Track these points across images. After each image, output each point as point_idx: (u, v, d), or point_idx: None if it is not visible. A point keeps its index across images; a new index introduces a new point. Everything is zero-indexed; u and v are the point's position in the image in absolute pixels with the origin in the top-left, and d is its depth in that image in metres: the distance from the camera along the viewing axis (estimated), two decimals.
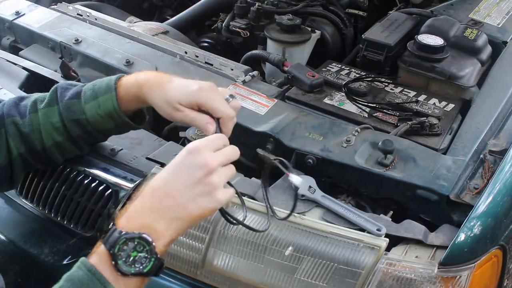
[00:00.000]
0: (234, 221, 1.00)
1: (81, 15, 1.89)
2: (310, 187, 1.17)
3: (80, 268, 0.84)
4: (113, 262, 0.84)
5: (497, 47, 1.74)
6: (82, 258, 0.85)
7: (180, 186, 0.88)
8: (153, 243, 0.85)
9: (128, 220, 0.87)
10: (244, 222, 1.02)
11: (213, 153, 0.91)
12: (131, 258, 0.84)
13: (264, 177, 1.05)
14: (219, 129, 1.00)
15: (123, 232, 0.84)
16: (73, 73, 1.55)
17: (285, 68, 1.60)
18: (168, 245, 0.89)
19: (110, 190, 1.22)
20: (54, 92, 1.16)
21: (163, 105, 1.05)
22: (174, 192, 0.88)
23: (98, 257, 0.85)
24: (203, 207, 0.90)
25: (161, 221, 0.87)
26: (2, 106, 1.15)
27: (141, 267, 0.85)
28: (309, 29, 1.90)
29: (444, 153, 1.29)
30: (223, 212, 0.99)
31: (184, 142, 1.41)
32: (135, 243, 0.84)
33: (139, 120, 1.18)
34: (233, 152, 0.96)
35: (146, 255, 0.85)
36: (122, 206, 1.19)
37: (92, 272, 0.83)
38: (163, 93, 1.04)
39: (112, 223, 0.87)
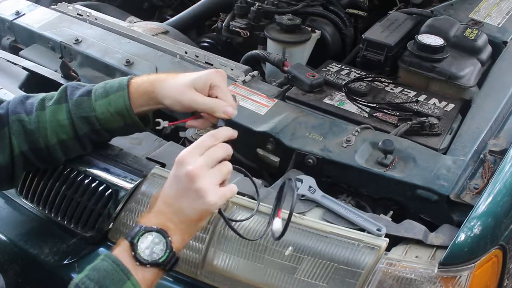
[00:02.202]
0: (229, 222, 1.05)
1: (81, 15, 1.89)
2: (310, 187, 1.17)
3: (105, 259, 0.92)
4: (132, 253, 0.93)
5: (497, 47, 1.74)
6: (106, 252, 0.95)
7: (174, 195, 0.97)
8: (169, 238, 0.95)
9: (146, 219, 0.97)
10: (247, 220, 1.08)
11: (198, 159, 0.97)
12: (149, 249, 0.93)
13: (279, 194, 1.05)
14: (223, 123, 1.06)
15: (143, 226, 0.95)
16: (73, 73, 1.55)
17: (285, 68, 1.60)
18: (183, 244, 0.98)
19: (110, 190, 1.21)
20: (63, 90, 1.17)
21: (175, 93, 1.09)
22: (172, 200, 0.97)
23: (119, 248, 0.94)
24: (199, 210, 0.97)
25: (170, 222, 0.97)
26: (6, 105, 1.16)
27: (157, 257, 0.93)
28: (309, 29, 1.90)
29: (444, 153, 1.29)
30: (220, 212, 1.03)
31: (184, 142, 1.41)
32: (153, 235, 0.94)
33: (145, 123, 1.19)
34: (219, 150, 1.00)
35: (162, 247, 0.94)
36: (123, 206, 1.19)
37: (116, 263, 0.92)
38: (175, 82, 1.10)
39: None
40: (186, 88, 1.08)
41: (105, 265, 0.91)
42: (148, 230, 0.94)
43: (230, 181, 1.05)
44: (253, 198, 1.15)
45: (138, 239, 0.93)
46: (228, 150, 1.01)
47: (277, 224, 1.00)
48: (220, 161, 1.00)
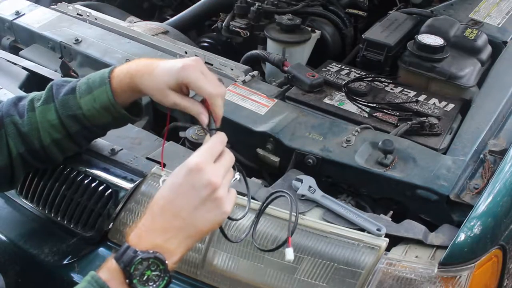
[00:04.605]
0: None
1: (81, 15, 1.89)
2: (310, 187, 1.17)
3: (91, 284, 0.84)
4: (127, 281, 0.84)
5: (497, 47, 1.74)
6: (92, 273, 0.85)
7: (187, 206, 0.88)
8: (166, 262, 0.86)
9: (140, 238, 0.87)
10: (243, 217, 1.03)
11: (215, 167, 0.90)
12: (145, 276, 0.85)
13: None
14: (213, 120, 0.99)
15: (138, 252, 0.85)
16: (73, 73, 1.55)
17: (285, 68, 1.60)
18: (178, 261, 0.90)
19: (110, 190, 1.22)
20: (49, 89, 1.15)
21: (155, 92, 1.04)
22: (183, 212, 0.88)
23: (110, 274, 0.85)
24: (213, 221, 0.91)
25: (173, 241, 0.88)
26: (1, 107, 1.15)
27: (154, 285, 0.86)
28: (309, 29, 1.90)
29: (444, 153, 1.29)
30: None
31: (184, 142, 1.41)
32: (149, 262, 0.85)
33: (136, 112, 1.16)
34: (231, 159, 0.95)
35: (159, 274, 0.86)
36: (123, 206, 1.19)
37: None
38: (153, 80, 1.03)
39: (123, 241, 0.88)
40: (164, 90, 1.01)
41: None
42: (145, 258, 0.84)
43: None
44: (253, 198, 1.14)
45: (134, 267, 0.84)
46: (234, 157, 0.96)
47: (290, 254, 0.95)
48: None
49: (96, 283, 0.84)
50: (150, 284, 0.85)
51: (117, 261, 0.85)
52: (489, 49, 1.71)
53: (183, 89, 1.02)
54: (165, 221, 0.88)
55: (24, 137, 1.13)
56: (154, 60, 1.08)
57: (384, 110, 1.45)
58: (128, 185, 1.21)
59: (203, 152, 0.91)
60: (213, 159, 0.91)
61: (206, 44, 2.14)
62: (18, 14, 1.89)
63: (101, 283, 0.84)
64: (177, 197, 0.89)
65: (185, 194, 0.88)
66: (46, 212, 1.28)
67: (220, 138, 0.95)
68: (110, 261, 0.86)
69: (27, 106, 1.14)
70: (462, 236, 1.04)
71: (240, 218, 1.03)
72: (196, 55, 1.64)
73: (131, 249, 0.85)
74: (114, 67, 1.13)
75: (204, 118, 0.98)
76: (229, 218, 1.01)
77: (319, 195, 1.16)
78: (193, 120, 1.49)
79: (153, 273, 0.85)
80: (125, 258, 0.84)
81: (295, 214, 0.96)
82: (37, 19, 1.85)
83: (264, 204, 1.02)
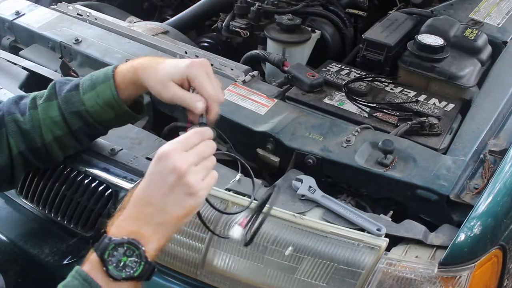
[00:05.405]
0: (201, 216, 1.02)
1: (81, 15, 1.89)
2: (310, 187, 1.17)
3: (75, 277, 0.86)
4: (104, 268, 0.86)
5: (497, 47, 1.74)
6: (77, 267, 0.87)
7: (157, 193, 0.89)
8: (142, 248, 0.87)
9: (117, 228, 0.89)
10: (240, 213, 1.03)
11: (183, 154, 0.90)
12: (122, 263, 0.86)
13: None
14: (205, 115, 0.99)
15: (112, 238, 0.87)
16: (73, 73, 1.55)
17: (285, 68, 1.60)
18: (158, 250, 0.90)
19: (110, 190, 1.22)
20: (52, 87, 1.16)
21: (155, 84, 1.06)
22: (153, 199, 0.89)
23: (90, 264, 0.87)
24: (186, 207, 0.91)
25: (146, 227, 0.89)
26: (2, 106, 1.15)
27: (131, 271, 0.86)
28: (309, 29, 1.90)
29: (444, 153, 1.29)
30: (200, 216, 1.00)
31: None
32: (125, 248, 0.86)
33: (137, 110, 1.17)
34: (207, 148, 0.94)
35: (136, 259, 0.87)
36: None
37: (88, 282, 0.85)
38: (156, 73, 1.06)
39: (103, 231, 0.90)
40: (166, 83, 1.04)
41: (75, 284, 0.85)
42: (118, 243, 0.86)
43: (228, 178, 1.03)
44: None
45: (108, 253, 0.85)
46: (214, 147, 0.95)
47: (237, 232, 0.96)
48: None
49: (80, 275, 0.86)
50: (127, 270, 0.86)
51: (95, 250, 0.87)
52: (489, 49, 1.71)
53: (184, 85, 1.04)
54: (137, 209, 0.90)
55: (25, 135, 1.13)
56: (158, 57, 1.11)
57: (384, 110, 1.45)
58: (128, 185, 1.21)
59: (174, 142, 0.92)
60: (184, 148, 0.91)
61: (206, 44, 2.14)
62: (18, 14, 1.89)
63: (84, 275, 0.86)
64: (148, 185, 0.91)
65: (154, 181, 0.90)
66: (46, 212, 1.28)
67: (198, 131, 0.95)
68: (91, 253, 0.88)
69: (29, 104, 1.15)
70: (462, 236, 1.04)
71: (236, 213, 1.04)
72: (196, 55, 1.64)
73: (107, 237, 0.87)
74: (117, 65, 1.14)
75: (201, 104, 0.99)
76: (225, 212, 1.03)
77: (319, 195, 1.16)
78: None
79: (130, 259, 0.86)
80: (101, 247, 0.86)
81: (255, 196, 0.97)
82: (37, 19, 1.85)
83: (257, 208, 1.01)
